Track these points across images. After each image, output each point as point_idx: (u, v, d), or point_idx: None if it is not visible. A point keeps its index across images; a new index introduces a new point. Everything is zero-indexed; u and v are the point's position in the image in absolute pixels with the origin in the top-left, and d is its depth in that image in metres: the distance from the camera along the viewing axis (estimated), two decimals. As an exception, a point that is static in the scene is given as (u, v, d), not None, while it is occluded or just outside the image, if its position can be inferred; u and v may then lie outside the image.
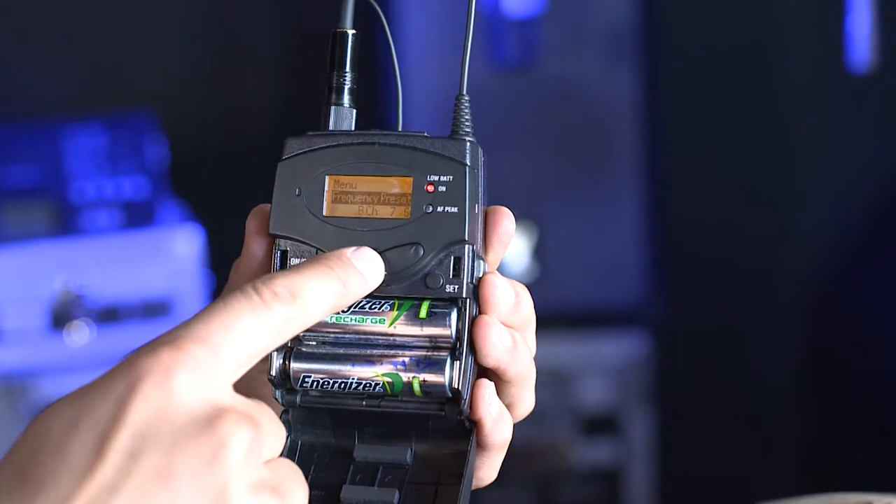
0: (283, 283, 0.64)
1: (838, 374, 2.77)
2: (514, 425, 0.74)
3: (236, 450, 0.59)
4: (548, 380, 2.48)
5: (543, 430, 2.47)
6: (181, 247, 2.25)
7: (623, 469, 2.53)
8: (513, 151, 2.49)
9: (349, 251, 0.68)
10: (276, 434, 0.62)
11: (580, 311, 2.52)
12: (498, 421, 0.71)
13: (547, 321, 2.47)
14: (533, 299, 0.74)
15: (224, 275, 0.76)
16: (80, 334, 2.22)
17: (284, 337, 0.64)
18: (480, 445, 0.71)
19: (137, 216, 2.28)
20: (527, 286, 0.74)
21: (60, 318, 2.21)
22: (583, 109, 2.50)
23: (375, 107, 2.32)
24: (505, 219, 0.73)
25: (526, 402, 0.74)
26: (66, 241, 2.25)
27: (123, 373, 0.60)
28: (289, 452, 0.72)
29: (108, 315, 2.23)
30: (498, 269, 0.73)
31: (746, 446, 2.77)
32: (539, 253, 2.49)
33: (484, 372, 0.72)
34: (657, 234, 2.54)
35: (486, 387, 0.71)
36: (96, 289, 2.23)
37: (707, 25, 2.71)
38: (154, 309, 2.24)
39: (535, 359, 0.75)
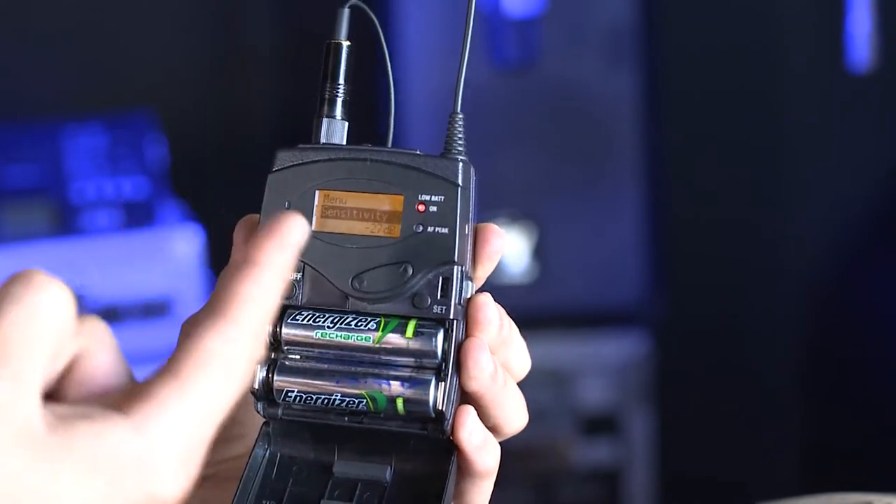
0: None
1: (838, 374, 2.77)
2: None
3: None
4: (548, 380, 2.48)
5: (543, 430, 2.47)
6: (181, 247, 2.25)
7: (623, 469, 2.53)
8: (513, 151, 2.49)
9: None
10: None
11: (580, 311, 2.52)
12: (481, 449, 0.70)
13: (547, 321, 2.48)
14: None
15: (224, 275, 0.76)
16: (80, 334, 2.22)
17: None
18: (465, 472, 0.71)
19: (137, 216, 2.28)
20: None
21: (60, 318, 2.21)
22: (583, 109, 2.50)
23: (374, 113, 2.32)
24: (494, 236, 0.72)
25: (514, 420, 0.73)
26: (66, 241, 2.25)
27: None
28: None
29: (108, 315, 2.23)
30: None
31: (746, 446, 2.77)
32: (539, 253, 2.49)
33: (465, 396, 0.71)
34: (657, 234, 2.54)
35: (468, 414, 0.70)
36: (96, 289, 2.23)
37: (707, 25, 2.71)
38: (154, 309, 2.24)
39: (535, 359, 0.75)
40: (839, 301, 2.77)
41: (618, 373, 2.52)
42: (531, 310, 2.40)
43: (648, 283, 2.53)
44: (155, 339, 2.20)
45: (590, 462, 2.53)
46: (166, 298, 2.24)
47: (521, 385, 0.74)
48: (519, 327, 0.74)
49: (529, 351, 0.75)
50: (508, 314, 0.73)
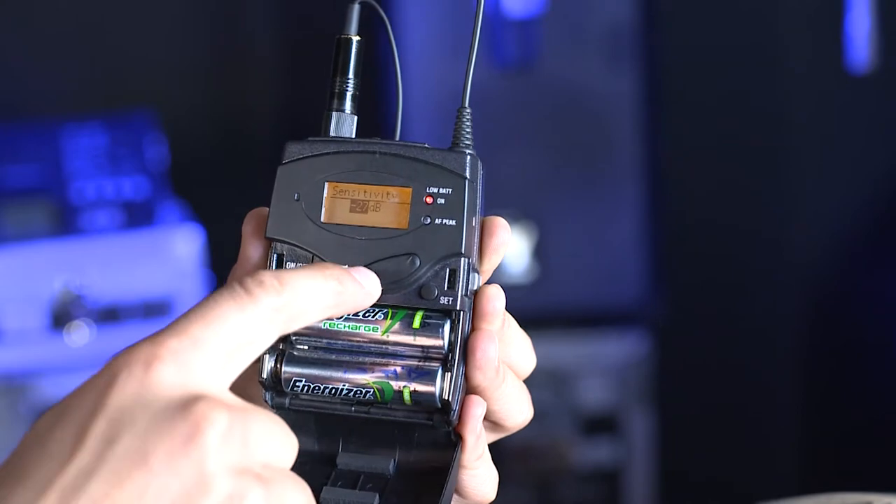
0: (269, 274, 0.65)
1: (838, 373, 2.77)
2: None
3: (212, 432, 0.59)
4: (548, 380, 2.48)
5: (543, 430, 2.47)
6: (181, 247, 2.25)
7: (623, 469, 2.53)
8: (513, 151, 2.49)
9: (344, 267, 0.69)
10: (272, 436, 0.62)
11: (580, 311, 2.52)
12: (479, 439, 0.71)
13: (547, 321, 2.48)
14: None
15: (224, 275, 0.76)
16: (80, 334, 2.22)
17: (275, 328, 0.65)
18: (464, 461, 0.71)
19: (137, 216, 2.28)
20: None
21: (60, 318, 2.21)
22: (583, 109, 2.50)
23: (378, 110, 2.32)
24: (500, 229, 0.73)
25: (515, 415, 0.73)
26: (66, 241, 2.25)
27: (105, 370, 0.62)
28: None
29: (108, 315, 2.23)
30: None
31: (746, 446, 2.77)
32: (539, 253, 2.49)
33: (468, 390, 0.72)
34: (657, 234, 2.54)
35: (479, 405, 0.71)
36: (96, 289, 2.23)
37: (707, 25, 2.71)
38: (154, 309, 2.24)
39: (536, 358, 0.75)
40: (839, 301, 2.77)
41: (618, 373, 2.52)
42: (531, 310, 2.40)
43: (648, 283, 2.53)
44: (155, 339, 2.20)
45: (590, 462, 2.53)
46: (166, 298, 2.24)
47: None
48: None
49: (529, 351, 0.75)
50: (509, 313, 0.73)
